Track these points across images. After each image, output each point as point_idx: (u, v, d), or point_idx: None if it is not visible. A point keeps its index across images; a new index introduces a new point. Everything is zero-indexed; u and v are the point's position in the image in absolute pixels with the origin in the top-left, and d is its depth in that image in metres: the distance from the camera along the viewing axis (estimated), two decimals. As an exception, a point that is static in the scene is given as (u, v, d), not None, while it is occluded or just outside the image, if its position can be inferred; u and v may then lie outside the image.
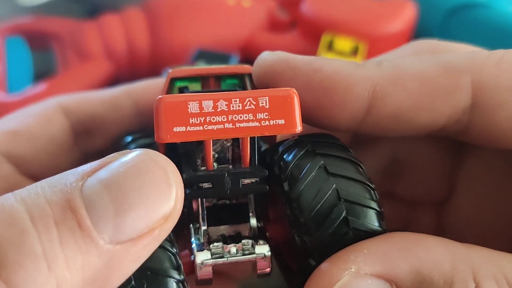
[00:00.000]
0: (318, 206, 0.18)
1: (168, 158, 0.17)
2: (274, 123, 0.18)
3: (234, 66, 0.23)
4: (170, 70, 0.22)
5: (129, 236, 0.15)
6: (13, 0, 0.51)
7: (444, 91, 0.20)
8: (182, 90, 0.23)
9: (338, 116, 0.21)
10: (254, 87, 0.22)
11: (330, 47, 0.45)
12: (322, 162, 0.19)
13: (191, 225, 0.21)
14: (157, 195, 0.16)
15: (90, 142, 0.28)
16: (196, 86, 0.23)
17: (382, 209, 0.19)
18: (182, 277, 0.18)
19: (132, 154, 0.16)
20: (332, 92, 0.20)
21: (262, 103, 0.18)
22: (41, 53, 0.51)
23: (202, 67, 0.23)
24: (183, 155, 0.21)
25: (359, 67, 0.21)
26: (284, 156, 0.20)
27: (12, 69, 0.47)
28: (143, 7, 0.50)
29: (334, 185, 0.19)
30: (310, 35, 0.47)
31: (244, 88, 0.23)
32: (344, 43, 0.44)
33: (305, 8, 0.47)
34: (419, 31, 0.47)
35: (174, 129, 0.18)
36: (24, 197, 0.15)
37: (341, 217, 0.18)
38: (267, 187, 0.20)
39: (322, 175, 0.19)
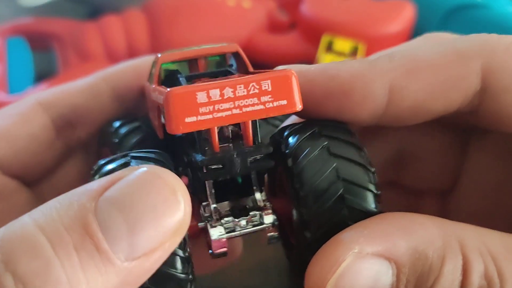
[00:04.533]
0: (317, 182, 0.19)
1: (174, 174, 0.17)
2: (278, 104, 0.19)
3: (220, 46, 0.24)
4: (159, 55, 0.23)
5: (142, 252, 0.16)
6: (14, 1, 0.51)
7: (456, 77, 0.21)
8: (172, 73, 0.23)
9: (359, 115, 0.21)
10: (239, 63, 0.23)
11: (329, 48, 0.45)
12: (326, 143, 0.20)
13: (200, 202, 0.22)
14: (167, 213, 0.17)
15: (73, 133, 0.28)
16: (183, 66, 0.24)
17: (380, 192, 0.20)
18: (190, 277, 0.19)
19: (139, 172, 0.17)
20: (351, 94, 0.21)
21: (265, 86, 0.19)
22: (42, 53, 0.51)
23: (189, 50, 0.24)
24: (186, 139, 0.22)
25: (372, 64, 0.21)
26: (291, 136, 0.21)
27: (13, 69, 0.47)
28: (143, 8, 0.50)
29: (335, 164, 0.20)
30: (310, 36, 0.47)
31: (227, 64, 0.24)
32: (343, 44, 0.44)
33: (305, 9, 0.47)
34: (418, 32, 0.47)
35: (186, 120, 0.18)
36: (42, 225, 0.16)
37: (338, 194, 0.19)
38: (273, 163, 0.21)
39: (325, 155, 0.20)
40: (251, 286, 0.37)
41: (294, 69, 0.21)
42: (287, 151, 0.21)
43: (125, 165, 0.19)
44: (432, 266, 0.18)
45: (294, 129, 0.21)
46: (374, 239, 0.18)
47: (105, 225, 0.16)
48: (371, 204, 0.20)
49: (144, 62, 0.28)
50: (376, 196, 0.20)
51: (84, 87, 0.28)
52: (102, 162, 0.20)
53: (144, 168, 0.17)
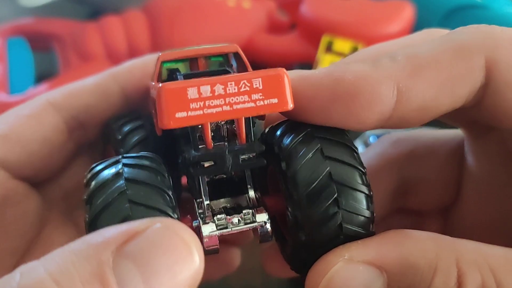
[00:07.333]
0: (312, 186, 0.19)
1: (191, 231, 0.18)
2: (268, 103, 0.19)
3: (220, 46, 0.24)
4: (160, 54, 0.23)
5: None
6: (15, 1, 0.51)
7: (461, 73, 0.20)
8: (173, 71, 0.23)
9: (367, 119, 0.21)
10: (239, 63, 0.23)
11: (329, 48, 0.45)
12: (319, 145, 0.20)
13: (194, 200, 0.22)
14: (183, 271, 0.17)
15: (84, 134, 0.27)
16: (185, 66, 0.24)
17: (372, 193, 0.20)
18: None
19: (157, 228, 0.17)
20: (358, 97, 0.20)
21: (256, 84, 0.19)
22: (42, 54, 0.51)
23: (190, 49, 0.24)
24: (182, 135, 0.22)
25: (376, 66, 0.21)
26: (284, 137, 0.21)
27: (14, 70, 0.47)
28: (143, 8, 0.51)
29: (328, 168, 0.20)
30: (310, 36, 0.47)
31: (228, 64, 0.24)
32: (343, 44, 0.45)
33: (305, 10, 0.48)
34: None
35: (176, 115, 0.19)
36: (58, 279, 0.16)
37: (332, 198, 0.19)
38: (265, 161, 0.21)
39: (318, 157, 0.20)
40: (252, 286, 0.37)
41: (296, 74, 0.21)
42: (280, 153, 0.21)
43: (118, 175, 0.19)
44: (423, 277, 0.18)
45: (286, 130, 0.21)
46: (365, 248, 0.19)
47: (123, 282, 0.16)
48: (364, 205, 0.20)
49: (150, 60, 0.28)
50: (368, 197, 0.20)
51: (94, 86, 0.27)
52: (93, 171, 0.20)
53: (161, 223, 0.17)
